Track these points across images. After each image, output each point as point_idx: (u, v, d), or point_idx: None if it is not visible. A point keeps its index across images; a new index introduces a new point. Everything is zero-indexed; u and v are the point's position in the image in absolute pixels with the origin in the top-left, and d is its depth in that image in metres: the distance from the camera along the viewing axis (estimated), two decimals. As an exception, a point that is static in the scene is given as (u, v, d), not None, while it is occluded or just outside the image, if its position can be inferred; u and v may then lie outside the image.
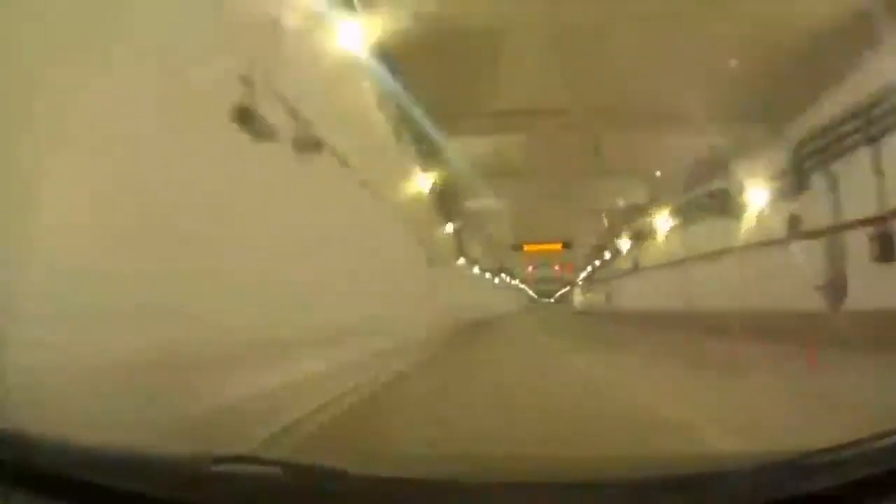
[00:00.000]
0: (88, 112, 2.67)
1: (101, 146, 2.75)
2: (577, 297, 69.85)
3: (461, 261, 22.60)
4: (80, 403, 2.27)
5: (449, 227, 18.48)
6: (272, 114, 4.41)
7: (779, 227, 13.04)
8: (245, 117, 4.06)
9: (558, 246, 28.24)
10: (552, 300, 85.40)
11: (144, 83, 3.05)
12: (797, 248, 12.35)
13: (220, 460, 1.15)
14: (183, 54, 3.33)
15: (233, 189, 4.05)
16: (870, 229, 9.62)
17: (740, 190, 14.71)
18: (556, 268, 43.16)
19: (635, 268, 24.54)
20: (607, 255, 30.95)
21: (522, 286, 62.71)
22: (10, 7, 2.29)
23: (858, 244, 9.90)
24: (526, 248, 28.13)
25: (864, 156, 9.69)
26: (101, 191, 2.75)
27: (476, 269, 27.29)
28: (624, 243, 25.57)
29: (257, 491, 1.07)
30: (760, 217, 13.95)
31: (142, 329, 2.87)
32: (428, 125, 11.49)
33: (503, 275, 44.33)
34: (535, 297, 77.78)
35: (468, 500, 1.08)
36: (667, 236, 20.31)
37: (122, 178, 2.91)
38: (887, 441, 1.07)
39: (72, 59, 2.52)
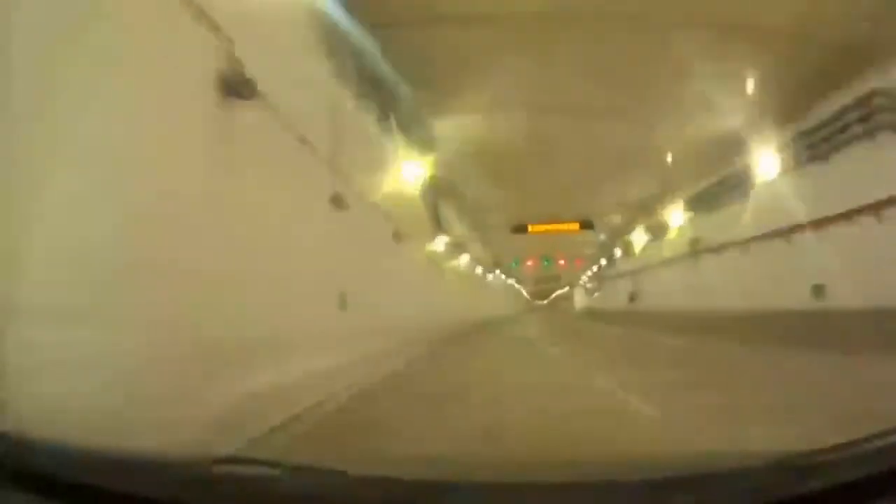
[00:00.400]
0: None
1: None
2: (580, 299, 62.86)
3: (440, 242, 14.96)
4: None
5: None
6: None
7: None
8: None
9: (575, 226, 20.61)
10: (546, 302, 78.39)
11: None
12: None
13: (219, 461, 1.19)
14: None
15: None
16: None
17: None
18: (561, 262, 35.61)
19: (693, 251, 16.86)
20: (637, 238, 23.41)
21: (518, 286, 55.17)
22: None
23: None
24: (531, 229, 20.46)
25: None
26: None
27: (462, 260, 19.73)
28: (676, 215, 18.06)
29: (257, 492, 1.08)
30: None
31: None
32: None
33: (497, 271, 36.73)
34: (529, 298, 70.53)
35: (468, 501, 1.09)
36: (762, 193, 12.79)
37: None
38: (883, 442, 1.07)
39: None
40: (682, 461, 1.55)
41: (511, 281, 47.72)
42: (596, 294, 40.73)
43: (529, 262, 35.65)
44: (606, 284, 36.94)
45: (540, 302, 77.60)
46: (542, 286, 63.16)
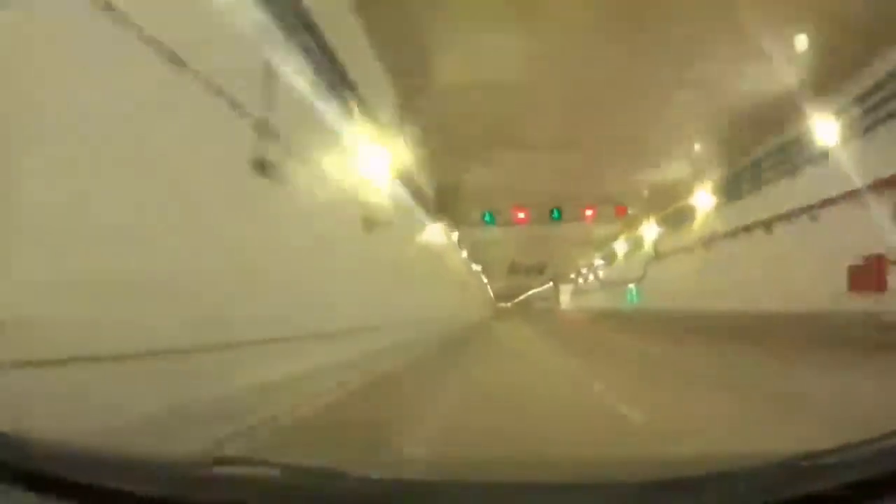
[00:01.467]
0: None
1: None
2: (567, 299, 44.22)
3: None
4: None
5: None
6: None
7: None
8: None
9: None
10: (510, 304, 59.90)
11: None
12: None
13: (219, 462, 1.20)
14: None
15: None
16: None
17: None
18: (588, 213, 16.56)
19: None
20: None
21: (484, 276, 36.05)
22: None
23: None
24: None
25: None
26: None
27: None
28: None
29: (257, 492, 1.07)
30: None
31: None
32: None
33: (453, 234, 17.38)
34: (493, 297, 51.66)
35: (467, 502, 1.08)
36: None
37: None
38: (886, 443, 1.07)
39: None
40: (680, 463, 1.54)
41: (475, 267, 28.32)
42: (632, 286, 21.94)
43: (521, 215, 16.38)
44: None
45: (504, 304, 58.95)
46: (514, 281, 44.44)
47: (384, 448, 3.39)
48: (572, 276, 40.41)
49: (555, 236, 20.41)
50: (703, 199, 14.30)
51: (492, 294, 49.31)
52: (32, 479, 1.09)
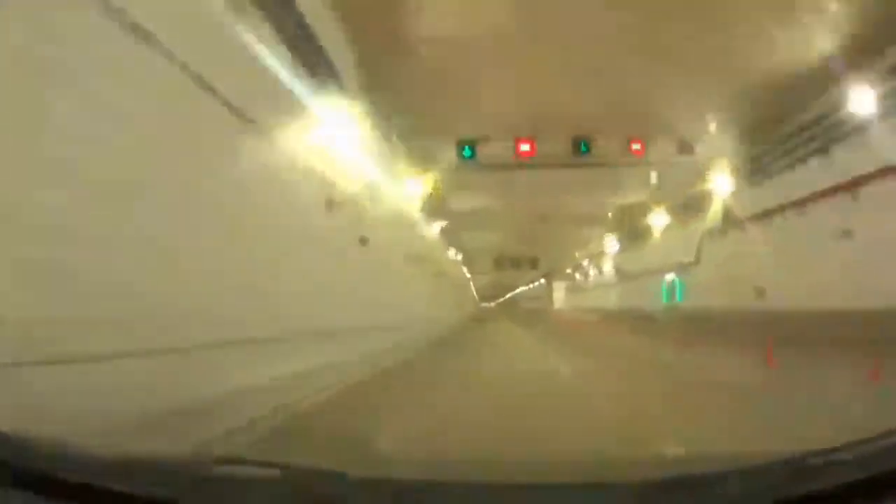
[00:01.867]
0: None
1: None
2: (561, 297, 37.85)
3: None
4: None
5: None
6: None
7: None
8: None
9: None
10: (494, 304, 53.92)
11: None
12: None
13: (220, 462, 1.22)
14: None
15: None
16: None
17: None
18: (636, 146, 10.14)
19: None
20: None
21: (459, 258, 29.62)
22: None
23: None
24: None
25: None
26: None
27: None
28: None
29: (257, 493, 1.08)
30: None
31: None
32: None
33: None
34: (477, 298, 45.49)
35: (467, 502, 1.09)
36: None
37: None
38: (883, 443, 1.06)
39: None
40: (678, 463, 1.53)
41: (453, 253, 21.51)
42: (672, 277, 15.46)
43: (525, 146, 9.71)
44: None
45: (487, 304, 53.02)
46: (501, 276, 37.83)
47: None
48: (568, 270, 34.15)
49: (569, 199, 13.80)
50: (859, 103, 7.77)
51: (475, 292, 42.94)
52: (32, 479, 1.08)
